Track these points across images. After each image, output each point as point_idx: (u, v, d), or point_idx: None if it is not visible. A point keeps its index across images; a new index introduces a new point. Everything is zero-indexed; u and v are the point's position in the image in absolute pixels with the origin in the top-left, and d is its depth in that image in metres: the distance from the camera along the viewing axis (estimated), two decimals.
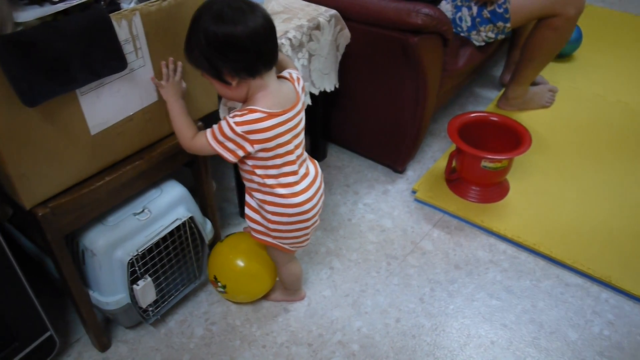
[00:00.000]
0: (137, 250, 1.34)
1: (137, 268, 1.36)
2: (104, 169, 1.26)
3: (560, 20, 2.05)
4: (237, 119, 1.16)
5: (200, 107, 1.41)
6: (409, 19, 1.67)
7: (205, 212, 1.58)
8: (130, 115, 1.24)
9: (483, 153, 1.84)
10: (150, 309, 1.49)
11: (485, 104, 2.55)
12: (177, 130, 1.27)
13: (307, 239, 1.44)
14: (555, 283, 1.71)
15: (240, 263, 1.53)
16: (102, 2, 1.10)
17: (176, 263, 1.50)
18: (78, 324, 1.58)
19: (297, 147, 1.27)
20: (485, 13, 2.02)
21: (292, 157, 1.26)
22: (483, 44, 2.12)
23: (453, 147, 2.20)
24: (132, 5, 1.14)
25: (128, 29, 1.13)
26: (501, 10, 2.00)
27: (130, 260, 1.33)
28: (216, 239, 1.66)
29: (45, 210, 1.16)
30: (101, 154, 1.23)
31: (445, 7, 2.10)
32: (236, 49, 1.11)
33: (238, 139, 1.17)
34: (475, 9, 2.03)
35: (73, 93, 1.10)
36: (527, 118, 2.37)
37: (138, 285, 1.38)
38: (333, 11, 1.74)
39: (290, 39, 1.60)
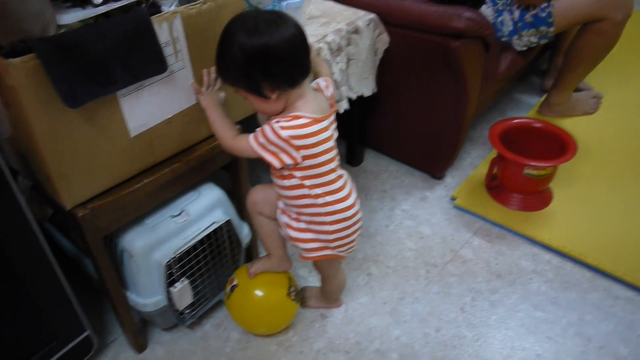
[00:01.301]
0: (174, 253, 1.34)
1: (174, 270, 1.36)
2: (142, 171, 1.27)
3: (607, 24, 1.98)
4: (283, 124, 1.13)
5: (237, 112, 1.41)
6: (451, 23, 1.64)
7: (242, 215, 1.58)
8: (169, 118, 1.25)
9: (526, 160, 1.78)
10: (187, 311, 1.49)
11: (526, 109, 2.48)
12: (217, 133, 1.26)
13: (357, 240, 1.41)
14: (604, 295, 1.64)
15: (256, 317, 1.51)
16: (143, 5, 1.11)
17: (213, 266, 1.50)
18: (115, 324, 1.59)
19: (336, 155, 1.26)
20: (528, 17, 1.97)
21: (334, 164, 1.25)
22: (525, 48, 2.07)
23: (493, 153, 2.15)
24: (173, 7, 1.15)
25: (169, 31, 1.14)
26: (544, 15, 1.95)
27: (167, 262, 1.33)
28: (253, 242, 1.65)
29: (85, 211, 1.17)
30: (140, 156, 1.24)
31: (486, 11, 2.05)
32: (275, 60, 1.10)
33: (282, 144, 1.15)
34: (517, 13, 1.99)
35: (114, 95, 1.11)
36: (569, 125, 2.30)
37: (175, 287, 1.38)
38: (372, 15, 1.73)
39: (328, 43, 1.59)
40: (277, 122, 1.14)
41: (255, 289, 1.46)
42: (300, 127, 1.14)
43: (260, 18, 1.10)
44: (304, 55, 1.15)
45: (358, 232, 1.37)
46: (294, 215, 1.32)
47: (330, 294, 1.60)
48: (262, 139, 1.16)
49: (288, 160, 1.17)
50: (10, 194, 1.07)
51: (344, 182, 1.29)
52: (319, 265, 1.49)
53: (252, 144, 1.18)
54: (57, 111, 1.03)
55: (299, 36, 1.12)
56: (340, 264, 1.51)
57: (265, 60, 1.09)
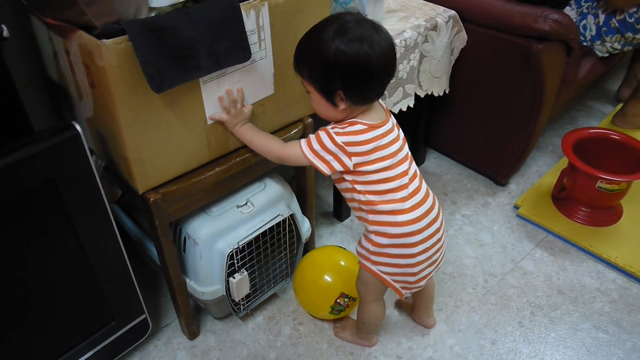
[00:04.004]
0: (237, 243, 1.32)
1: (235, 261, 1.35)
2: (214, 159, 1.25)
3: None
4: (338, 130, 1.09)
5: (300, 111, 1.38)
6: (536, 24, 1.56)
7: (304, 210, 1.55)
8: None
9: (601, 173, 1.70)
10: (242, 302, 1.47)
11: (598, 118, 2.38)
12: (261, 148, 1.22)
13: (415, 276, 1.25)
14: None
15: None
16: None
17: (271, 259, 1.48)
18: (168, 309, 1.59)
19: (401, 162, 1.16)
20: (614, 22, 1.87)
21: (395, 172, 1.15)
22: (606, 55, 1.97)
23: (562, 163, 2.08)
24: None
25: (255, 19, 1.11)
26: (632, 20, 1.85)
27: (230, 252, 1.32)
28: (312, 238, 1.62)
29: (157, 196, 1.16)
30: (214, 145, 1.22)
31: (569, 13, 1.96)
32: (365, 74, 1.04)
33: (337, 151, 1.10)
34: (602, 17, 1.89)
35: (196, 81, 1.09)
36: None
37: (234, 278, 1.36)
38: (452, 12, 1.66)
39: (405, 40, 1.53)
40: (334, 127, 1.10)
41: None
42: (355, 134, 1.09)
43: (362, 25, 1.03)
44: (391, 75, 1.10)
45: (409, 261, 1.21)
46: (357, 215, 1.26)
47: (359, 323, 1.46)
48: (316, 145, 1.11)
49: (338, 167, 1.12)
50: (90, 174, 1.06)
51: (404, 195, 1.17)
52: (359, 280, 1.34)
53: (305, 150, 1.13)
54: (142, 95, 1.01)
55: (393, 54, 1.07)
56: (380, 296, 1.36)
57: (355, 71, 1.04)
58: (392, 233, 1.18)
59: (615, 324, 1.56)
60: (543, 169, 2.13)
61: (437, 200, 1.25)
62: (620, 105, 2.30)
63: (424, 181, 1.24)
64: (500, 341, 1.52)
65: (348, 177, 1.15)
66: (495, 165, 2.00)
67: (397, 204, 1.16)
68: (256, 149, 1.23)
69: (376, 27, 1.05)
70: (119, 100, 0.99)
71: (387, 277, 1.25)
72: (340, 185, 1.20)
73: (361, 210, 1.20)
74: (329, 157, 1.11)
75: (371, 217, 1.19)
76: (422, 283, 1.28)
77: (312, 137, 1.13)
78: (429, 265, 1.25)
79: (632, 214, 1.88)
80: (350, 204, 1.24)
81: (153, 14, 1.01)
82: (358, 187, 1.16)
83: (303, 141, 1.14)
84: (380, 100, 1.18)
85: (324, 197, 1.99)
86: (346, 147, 1.09)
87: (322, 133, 1.11)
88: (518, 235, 1.85)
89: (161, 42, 0.97)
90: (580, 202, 1.85)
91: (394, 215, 1.17)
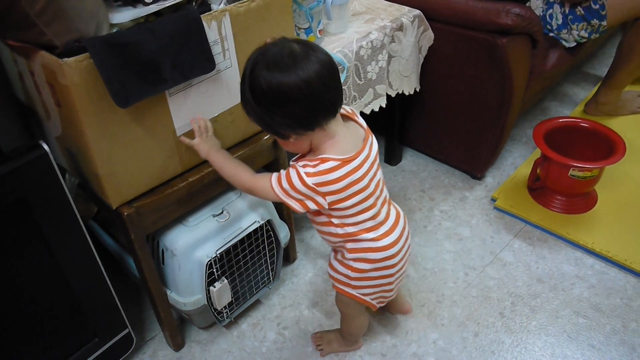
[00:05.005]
0: (215, 252, 1.33)
1: (214, 270, 1.35)
2: (187, 170, 1.26)
3: None
4: (309, 170, 1.04)
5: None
6: (499, 19, 1.59)
7: (281, 215, 1.56)
8: (215, 117, 1.23)
9: (572, 161, 1.73)
10: (225, 310, 1.48)
11: (570, 107, 2.42)
12: (231, 176, 1.18)
13: (391, 292, 1.30)
14: None
15: None
16: (194, 4, 1.09)
17: (251, 266, 1.49)
18: (152, 322, 1.59)
19: (375, 188, 1.14)
20: (579, 10, 1.90)
21: (371, 201, 1.13)
22: (574, 44, 2.00)
23: (536, 153, 2.10)
24: (222, 6, 1.13)
25: (217, 30, 1.12)
26: (597, 7, 1.87)
27: (208, 261, 1.32)
28: (291, 243, 1.63)
29: (131, 210, 1.17)
30: (185, 156, 1.22)
31: (535, 3, 1.99)
32: (284, 102, 0.97)
33: (308, 192, 1.05)
34: (568, 6, 1.91)
35: (162, 94, 1.09)
36: (615, 124, 2.22)
37: (215, 287, 1.37)
38: (417, 11, 1.68)
39: (371, 41, 1.55)
40: (305, 166, 1.05)
41: None
42: (327, 172, 1.04)
43: (281, 50, 0.97)
44: (327, 95, 1.00)
45: (388, 280, 1.24)
46: (333, 247, 1.27)
47: (346, 333, 1.47)
48: (286, 185, 1.06)
49: (313, 207, 1.08)
50: (61, 192, 1.07)
51: (381, 220, 1.17)
52: (340, 301, 1.36)
53: (274, 187, 1.08)
54: (108, 110, 1.02)
55: (322, 74, 0.97)
56: (363, 310, 1.38)
57: (274, 101, 0.98)
58: (374, 258, 1.19)
59: (594, 309, 1.59)
60: (518, 161, 2.15)
61: (405, 216, 1.29)
62: (591, 94, 2.33)
63: (392, 201, 1.27)
64: (482, 333, 1.54)
65: (324, 211, 1.13)
66: (471, 159, 2.02)
67: (376, 231, 1.17)
68: (225, 176, 1.19)
69: (303, 47, 0.98)
70: (85, 118, 1.00)
71: (366, 298, 1.28)
72: (317, 219, 1.17)
73: (338, 242, 1.20)
74: (300, 197, 1.07)
75: (350, 245, 1.19)
76: (394, 293, 1.34)
77: (282, 174, 1.08)
78: (401, 277, 1.31)
79: (607, 199, 1.91)
80: (324, 238, 1.22)
81: (115, 30, 1.02)
82: (335, 220, 1.15)
83: (274, 177, 1.09)
84: (357, 116, 1.15)
85: None
86: (318, 188, 1.05)
87: (292, 172, 1.06)
88: (496, 227, 1.88)
89: (124, 58, 0.98)
90: (555, 191, 1.88)
91: (375, 241, 1.18)
